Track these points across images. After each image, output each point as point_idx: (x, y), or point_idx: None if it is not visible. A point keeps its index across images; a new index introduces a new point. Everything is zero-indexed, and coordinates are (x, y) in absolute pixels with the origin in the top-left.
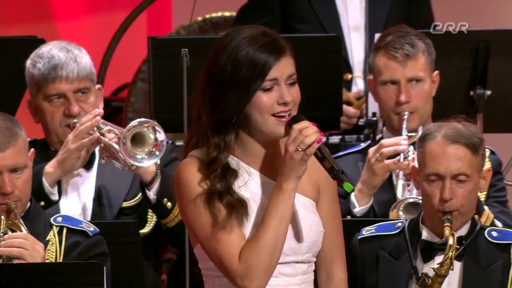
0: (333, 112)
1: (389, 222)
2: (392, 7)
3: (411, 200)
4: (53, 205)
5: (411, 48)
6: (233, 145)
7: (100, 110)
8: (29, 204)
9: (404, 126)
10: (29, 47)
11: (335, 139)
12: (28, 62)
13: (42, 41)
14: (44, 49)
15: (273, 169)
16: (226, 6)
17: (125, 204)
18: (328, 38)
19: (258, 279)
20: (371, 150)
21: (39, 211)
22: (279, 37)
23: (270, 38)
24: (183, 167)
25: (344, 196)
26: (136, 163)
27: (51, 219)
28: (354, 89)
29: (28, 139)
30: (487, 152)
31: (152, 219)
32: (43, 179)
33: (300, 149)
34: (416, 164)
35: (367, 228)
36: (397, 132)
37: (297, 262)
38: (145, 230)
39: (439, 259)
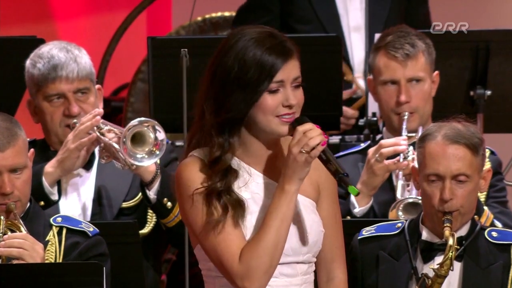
0: (333, 112)
1: (389, 222)
2: (392, 7)
3: (410, 200)
4: (53, 205)
5: (411, 48)
6: (237, 145)
7: (100, 109)
8: (28, 204)
9: (404, 126)
10: (28, 47)
11: (335, 139)
12: (28, 62)
13: (41, 41)
14: (44, 49)
15: (274, 170)
16: (226, 6)
17: (124, 205)
18: (328, 38)
19: (259, 280)
20: (371, 151)
21: (38, 211)
22: (287, 38)
23: (278, 40)
24: (184, 166)
25: (344, 197)
26: (136, 163)
27: (51, 220)
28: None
29: (28, 139)
30: (487, 152)
31: (151, 219)
32: (43, 179)
33: (304, 151)
34: (416, 164)
35: (367, 228)
36: (397, 132)
37: (297, 263)
38: (145, 230)
39: (439, 259)
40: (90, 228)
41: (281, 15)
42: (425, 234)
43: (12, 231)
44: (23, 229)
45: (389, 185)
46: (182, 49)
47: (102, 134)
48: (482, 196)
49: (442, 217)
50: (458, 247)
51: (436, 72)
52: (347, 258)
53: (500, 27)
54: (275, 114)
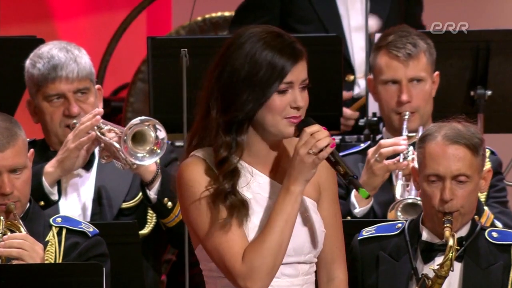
0: (333, 112)
1: (389, 223)
2: (392, 8)
3: (409, 201)
4: (53, 205)
5: (413, 48)
6: (245, 145)
7: (100, 109)
8: (28, 204)
9: (405, 126)
10: (28, 47)
11: (335, 139)
12: (28, 62)
13: (41, 41)
14: (44, 49)
15: (276, 170)
16: (226, 6)
17: (124, 205)
18: (329, 38)
19: (261, 280)
20: (371, 151)
21: (38, 211)
22: (295, 39)
23: (288, 41)
24: (185, 167)
25: (344, 197)
26: (137, 162)
27: (51, 220)
28: (357, 90)
29: (28, 139)
30: (488, 153)
31: (151, 219)
32: (43, 179)
33: (311, 152)
34: (416, 164)
35: (367, 229)
36: (397, 132)
37: (299, 263)
38: (145, 230)
39: (439, 260)
40: (90, 229)
41: (281, 15)
42: (425, 235)
43: (12, 231)
44: (22, 229)
45: (389, 186)
46: (182, 49)
47: (103, 134)
48: (482, 196)
49: (442, 217)
50: (458, 247)
51: (437, 72)
52: (347, 259)
53: (500, 27)
54: (283, 115)
